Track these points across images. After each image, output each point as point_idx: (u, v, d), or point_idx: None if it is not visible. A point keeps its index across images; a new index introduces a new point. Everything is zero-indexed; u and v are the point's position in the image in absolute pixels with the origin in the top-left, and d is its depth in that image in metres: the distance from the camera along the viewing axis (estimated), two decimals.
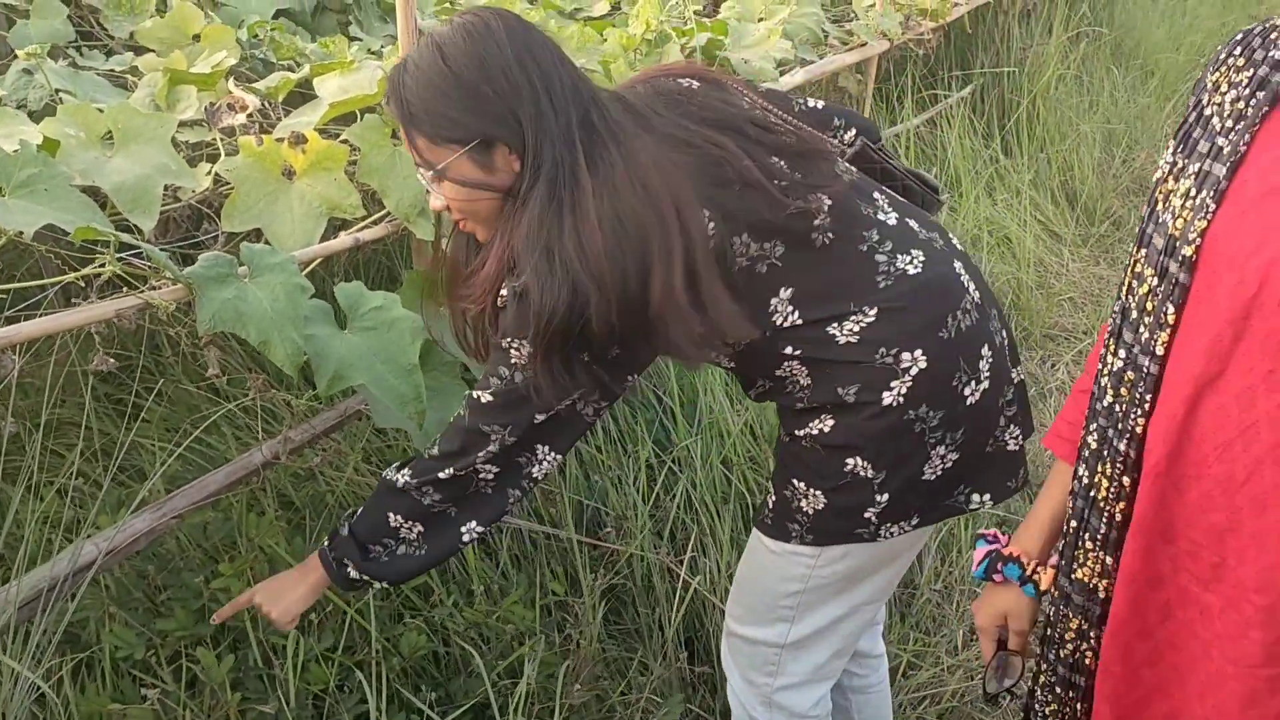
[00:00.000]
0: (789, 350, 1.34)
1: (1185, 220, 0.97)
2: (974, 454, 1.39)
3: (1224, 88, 0.99)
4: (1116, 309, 1.07)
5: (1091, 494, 1.09)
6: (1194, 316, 0.97)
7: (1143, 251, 1.03)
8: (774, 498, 1.46)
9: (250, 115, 1.88)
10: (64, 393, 2.12)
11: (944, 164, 4.08)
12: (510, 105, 1.24)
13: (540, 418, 1.35)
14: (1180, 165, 1.01)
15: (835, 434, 1.35)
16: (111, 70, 2.18)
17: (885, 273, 1.34)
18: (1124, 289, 1.06)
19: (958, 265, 1.41)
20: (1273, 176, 0.92)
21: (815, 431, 1.37)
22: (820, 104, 1.57)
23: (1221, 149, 0.96)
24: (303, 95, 2.02)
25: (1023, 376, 1.48)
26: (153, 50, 2.17)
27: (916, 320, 1.34)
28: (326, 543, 1.49)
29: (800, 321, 1.33)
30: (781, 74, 2.88)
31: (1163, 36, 5.88)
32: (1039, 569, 1.24)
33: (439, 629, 1.95)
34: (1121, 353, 1.05)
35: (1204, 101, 1.01)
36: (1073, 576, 1.13)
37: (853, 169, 1.45)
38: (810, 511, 1.40)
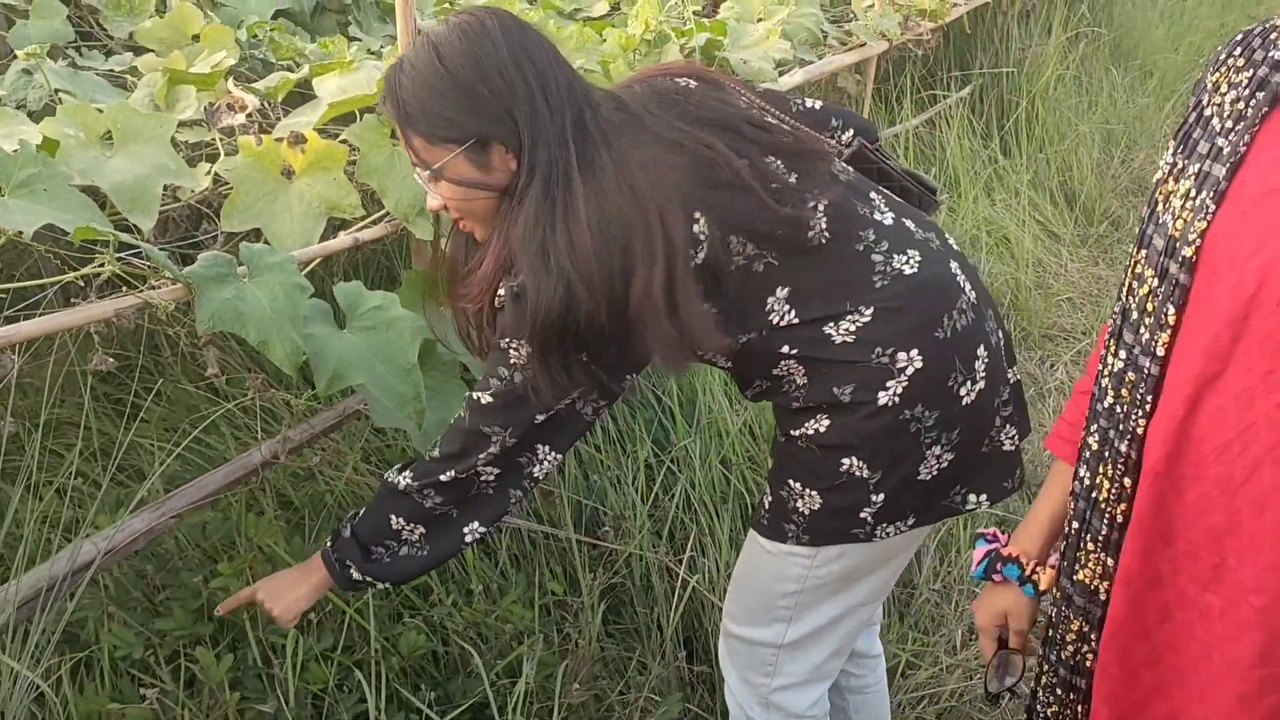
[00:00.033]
0: (786, 349, 1.34)
1: (1185, 221, 0.97)
2: (970, 454, 1.39)
3: (1224, 88, 0.99)
4: (1117, 310, 1.07)
5: (1093, 495, 1.09)
6: (1194, 317, 0.97)
7: (1143, 252, 1.03)
8: (770, 498, 1.46)
9: (249, 115, 1.88)
10: (63, 392, 2.12)
11: (943, 164, 4.08)
12: (506, 104, 1.25)
13: (540, 418, 1.35)
14: (1180, 166, 1.01)
15: (831, 434, 1.36)
16: (111, 70, 2.18)
17: (882, 272, 1.34)
18: (1124, 290, 1.06)
19: (954, 265, 1.41)
20: (1272, 177, 0.92)
21: (811, 431, 1.37)
22: (818, 104, 1.57)
23: (1221, 149, 0.96)
24: (302, 95, 2.02)
25: (1019, 377, 1.48)
26: (152, 50, 2.17)
27: (912, 320, 1.34)
28: (329, 543, 1.49)
29: (797, 321, 1.33)
30: (780, 74, 2.88)
31: (1161, 37, 5.88)
32: (1038, 569, 1.24)
33: (438, 628, 1.95)
34: (1122, 354, 1.05)
35: (1204, 102, 1.01)
36: (1074, 578, 1.13)
37: (850, 169, 1.46)
38: (806, 512, 1.40)
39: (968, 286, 1.41)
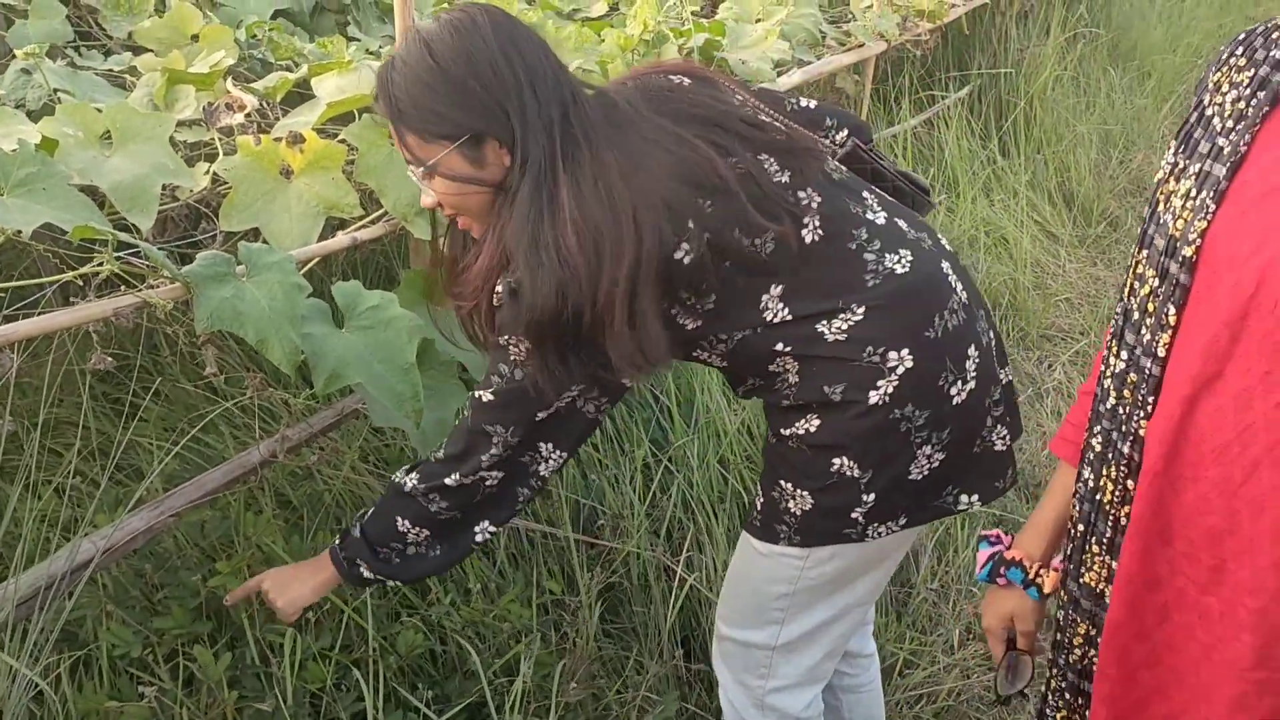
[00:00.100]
0: (780, 347, 1.35)
1: (1185, 221, 0.97)
2: (961, 454, 1.39)
3: (1225, 88, 0.99)
4: (1119, 310, 1.07)
5: (1097, 498, 1.09)
6: (1193, 317, 0.97)
7: (1144, 252, 1.03)
8: (762, 500, 1.46)
9: (248, 115, 1.88)
10: (62, 392, 2.12)
11: (941, 165, 4.09)
12: (498, 99, 1.25)
13: (541, 415, 1.36)
14: (1181, 166, 1.01)
15: (822, 433, 1.36)
16: (110, 70, 2.18)
17: (874, 271, 1.35)
18: (1126, 290, 1.06)
19: (945, 265, 1.41)
20: (1273, 176, 0.92)
21: (802, 431, 1.37)
22: (812, 103, 1.57)
23: (1222, 149, 0.96)
24: (301, 95, 2.03)
25: (1011, 378, 1.48)
26: (151, 50, 2.17)
27: (903, 320, 1.34)
28: (337, 542, 1.50)
29: (790, 317, 1.33)
30: (779, 75, 2.89)
31: (1160, 37, 5.89)
32: (1042, 572, 1.24)
33: (436, 627, 1.95)
34: (1124, 354, 1.05)
35: (1205, 101, 1.01)
36: (1080, 581, 1.13)
37: (843, 168, 1.46)
38: (798, 512, 1.40)
39: (959, 287, 1.41)
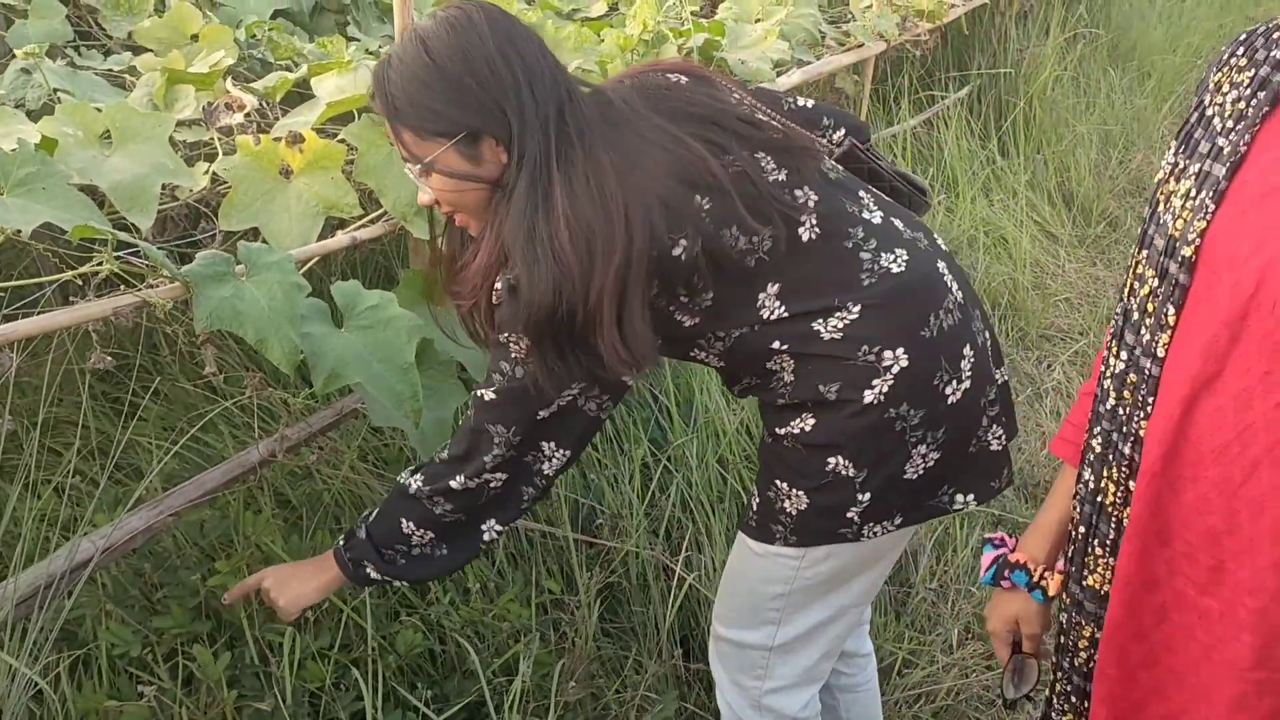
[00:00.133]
0: (776, 345, 1.35)
1: (1185, 221, 0.97)
2: (956, 454, 1.39)
3: (1225, 88, 0.99)
4: (1118, 310, 1.07)
5: (1099, 499, 1.09)
6: (1192, 317, 0.97)
7: (1144, 252, 1.03)
8: (758, 500, 1.46)
9: (248, 115, 1.88)
10: (61, 391, 2.12)
11: (941, 165, 4.09)
12: (494, 96, 1.25)
13: (543, 414, 1.36)
14: (1181, 166, 1.01)
15: (817, 432, 1.36)
16: (110, 70, 2.19)
17: (869, 270, 1.35)
18: (1126, 290, 1.06)
19: (941, 265, 1.41)
20: (1273, 176, 0.92)
21: (797, 430, 1.37)
22: (810, 103, 1.57)
23: (1222, 149, 0.96)
24: (300, 95, 2.03)
25: (1007, 378, 1.48)
26: (151, 50, 2.17)
27: (899, 318, 1.34)
28: (341, 542, 1.49)
29: (786, 315, 1.34)
30: (778, 75, 2.89)
31: (1160, 38, 5.89)
32: (1046, 575, 1.23)
33: (435, 627, 1.96)
34: (1124, 355, 1.05)
35: (1206, 102, 1.01)
36: (1084, 584, 1.13)
37: (839, 167, 1.46)
38: (793, 512, 1.40)
39: (955, 286, 1.41)
